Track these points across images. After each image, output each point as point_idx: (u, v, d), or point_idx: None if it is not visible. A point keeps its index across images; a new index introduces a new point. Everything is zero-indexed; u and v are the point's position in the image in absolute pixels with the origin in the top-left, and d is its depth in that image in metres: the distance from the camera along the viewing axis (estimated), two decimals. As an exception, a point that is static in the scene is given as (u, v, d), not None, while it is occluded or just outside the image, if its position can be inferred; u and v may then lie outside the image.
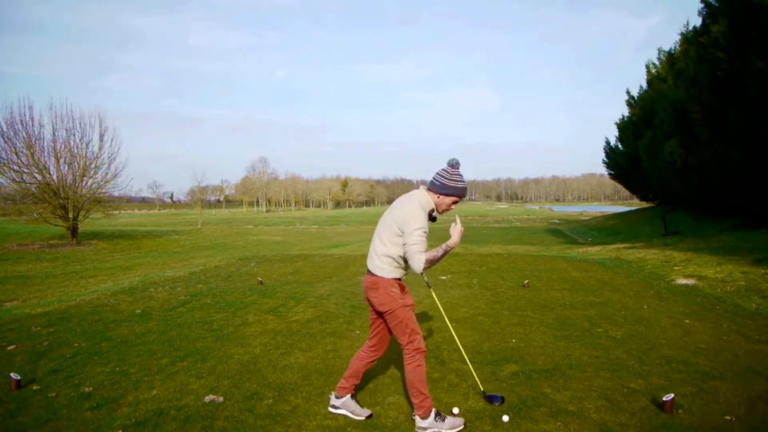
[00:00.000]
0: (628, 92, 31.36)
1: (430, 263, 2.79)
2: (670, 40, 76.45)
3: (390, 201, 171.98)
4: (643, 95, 27.91)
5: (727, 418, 2.99)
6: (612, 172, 37.02)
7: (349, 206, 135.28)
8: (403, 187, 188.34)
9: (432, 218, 2.95)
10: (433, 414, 2.89)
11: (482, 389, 3.40)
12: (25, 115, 21.26)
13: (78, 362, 4.14)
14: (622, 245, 14.60)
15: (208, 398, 3.35)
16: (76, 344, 4.67)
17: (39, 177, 21.68)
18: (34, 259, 16.76)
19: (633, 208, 43.74)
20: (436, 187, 2.91)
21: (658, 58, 26.96)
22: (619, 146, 33.80)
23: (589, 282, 7.86)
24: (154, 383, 3.66)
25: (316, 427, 2.97)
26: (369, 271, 3.00)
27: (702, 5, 15.66)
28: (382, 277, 2.91)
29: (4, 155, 20.97)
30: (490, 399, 3.28)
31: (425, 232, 2.81)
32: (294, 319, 5.60)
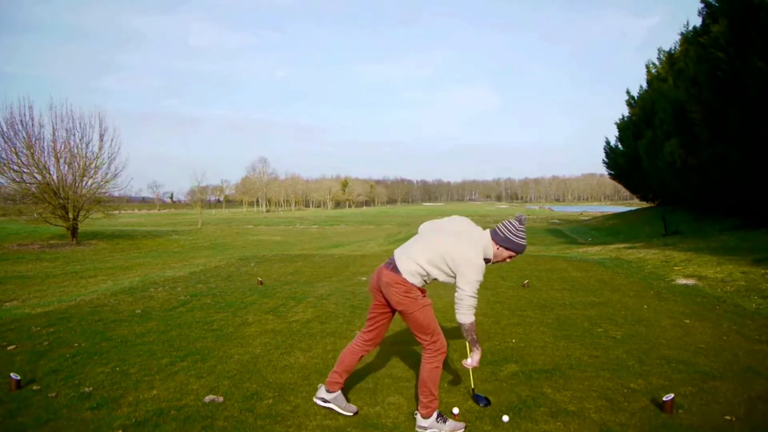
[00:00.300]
0: (628, 92, 31.39)
1: (469, 331, 2.80)
2: (670, 40, 76.51)
3: (390, 201, 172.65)
4: (643, 95, 27.92)
5: (727, 418, 2.99)
6: (612, 172, 37.05)
7: (349, 206, 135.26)
8: (403, 186, 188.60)
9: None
10: (435, 415, 2.89)
11: (473, 387, 3.39)
12: (25, 115, 21.31)
13: (78, 362, 4.14)
14: (622, 245, 14.61)
15: (208, 398, 3.35)
16: (76, 344, 4.66)
17: (39, 177, 21.70)
18: (34, 259, 16.77)
19: (633, 208, 43.74)
20: (498, 238, 2.87)
21: (658, 58, 26.99)
22: (619, 146, 33.82)
23: (589, 282, 7.85)
24: (154, 383, 3.66)
25: (316, 427, 2.97)
26: (394, 267, 2.88)
27: (702, 5, 15.68)
28: (407, 281, 2.84)
29: (4, 155, 21.02)
30: (476, 398, 3.28)
31: (480, 283, 2.80)
32: (294, 319, 5.60)
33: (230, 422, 3.02)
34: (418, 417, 2.91)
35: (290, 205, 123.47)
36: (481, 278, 2.78)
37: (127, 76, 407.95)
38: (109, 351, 4.45)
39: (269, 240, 26.01)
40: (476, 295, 2.78)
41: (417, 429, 2.89)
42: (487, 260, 2.89)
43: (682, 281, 7.70)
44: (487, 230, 2.95)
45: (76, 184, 22.35)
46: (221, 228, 37.25)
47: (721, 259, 9.06)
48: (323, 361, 4.13)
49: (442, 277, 2.88)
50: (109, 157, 23.38)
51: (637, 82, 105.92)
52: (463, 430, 2.91)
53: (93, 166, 22.96)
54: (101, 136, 23.15)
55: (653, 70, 27.20)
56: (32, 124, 21.48)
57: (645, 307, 6.01)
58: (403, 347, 4.50)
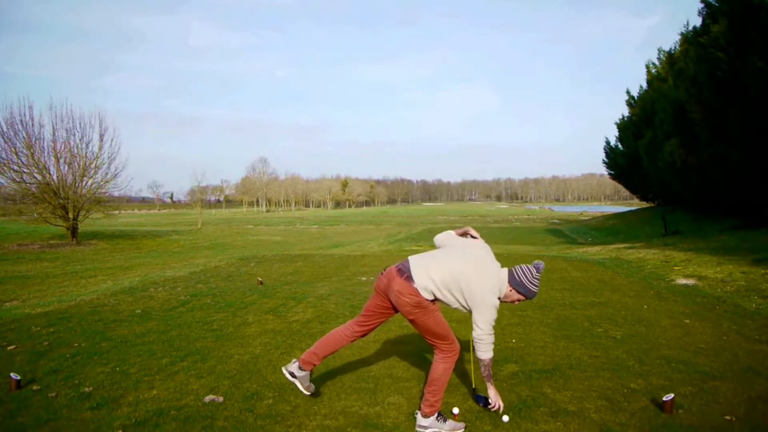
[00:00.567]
0: (628, 92, 31.41)
1: (488, 366, 2.89)
2: (670, 40, 76.47)
3: (390, 201, 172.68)
4: (643, 95, 27.93)
5: (727, 418, 2.99)
6: (612, 172, 37.07)
7: (349, 206, 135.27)
8: (403, 186, 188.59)
9: None
10: (436, 414, 2.90)
11: (474, 386, 3.41)
12: (25, 115, 21.32)
13: (78, 362, 4.14)
14: (622, 245, 14.61)
15: (208, 398, 3.35)
16: (76, 344, 4.66)
17: (39, 177, 21.71)
18: (34, 259, 16.77)
19: (633, 208, 43.76)
20: (514, 281, 2.88)
21: (658, 58, 27.00)
22: (619, 146, 33.83)
23: (589, 282, 7.85)
24: (154, 383, 3.66)
25: (316, 427, 2.97)
26: (409, 276, 2.85)
27: (702, 5, 15.68)
28: (420, 293, 2.83)
29: (4, 155, 21.04)
30: (477, 398, 3.28)
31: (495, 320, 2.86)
32: (294, 319, 5.60)
33: (230, 422, 3.02)
34: (419, 416, 2.92)
35: (290, 205, 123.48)
36: (496, 315, 2.84)
37: (127, 76, 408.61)
38: (109, 351, 4.45)
39: (269, 240, 26.01)
40: (493, 332, 2.85)
41: (417, 428, 2.90)
42: (499, 299, 2.92)
43: (682, 281, 7.70)
44: (505, 269, 2.94)
45: (76, 184, 22.36)
46: (221, 228, 37.26)
47: (721, 259, 9.06)
48: (323, 361, 4.12)
49: (453, 304, 2.88)
50: (109, 157, 23.42)
51: (637, 82, 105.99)
52: (463, 430, 2.91)
53: (93, 166, 22.98)
54: (101, 136, 23.18)
55: (653, 70, 27.21)
56: (32, 124, 21.51)
57: (645, 307, 6.01)
58: (403, 347, 4.50)
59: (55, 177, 22.02)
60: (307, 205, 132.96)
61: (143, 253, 18.98)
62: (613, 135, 42.79)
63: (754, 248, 10.02)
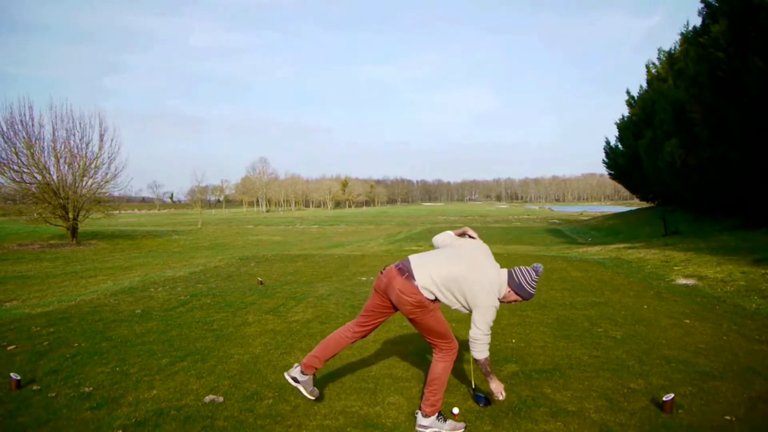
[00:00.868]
0: (628, 92, 31.40)
1: (484, 365, 2.90)
2: (670, 40, 76.51)
3: (390, 201, 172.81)
4: (643, 95, 27.93)
5: (727, 418, 2.99)
6: (612, 172, 37.07)
7: (349, 206, 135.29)
8: (403, 186, 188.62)
9: None
10: (436, 414, 2.90)
11: (473, 386, 3.41)
12: (25, 115, 21.32)
13: (78, 362, 4.14)
14: (622, 245, 14.61)
15: (208, 398, 3.35)
16: (76, 344, 4.67)
17: (39, 177, 21.72)
18: (34, 259, 16.77)
19: (633, 208, 43.76)
20: (513, 282, 2.91)
21: (658, 58, 26.98)
22: (619, 146, 33.83)
23: (589, 282, 7.86)
24: (154, 383, 3.66)
25: (316, 427, 2.97)
26: (410, 276, 2.86)
27: (702, 5, 15.67)
28: (421, 293, 2.84)
29: (4, 155, 21.04)
30: (476, 398, 3.28)
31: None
32: (294, 319, 5.61)
33: (230, 422, 3.02)
34: (419, 415, 2.92)
35: (290, 205, 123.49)
36: (494, 317, 2.86)
37: (129, 76, 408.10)
38: (109, 351, 4.45)
39: (269, 240, 26.01)
40: (489, 332, 2.86)
41: (417, 428, 2.90)
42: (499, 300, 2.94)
43: (682, 281, 7.71)
44: (504, 270, 2.96)
45: (76, 184, 22.36)
46: (221, 228, 37.27)
47: (721, 259, 9.06)
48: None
49: (454, 305, 2.89)
50: (109, 157, 23.43)
51: (637, 82, 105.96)
52: (463, 430, 2.92)
53: (93, 166, 22.98)
54: (101, 136, 23.19)
55: (653, 70, 27.19)
56: (32, 124, 21.52)
57: (645, 307, 6.01)
58: (403, 347, 4.50)
59: (55, 177, 22.04)
60: (307, 205, 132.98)
61: (143, 253, 18.98)
62: (613, 135, 42.82)
63: (754, 248, 10.02)
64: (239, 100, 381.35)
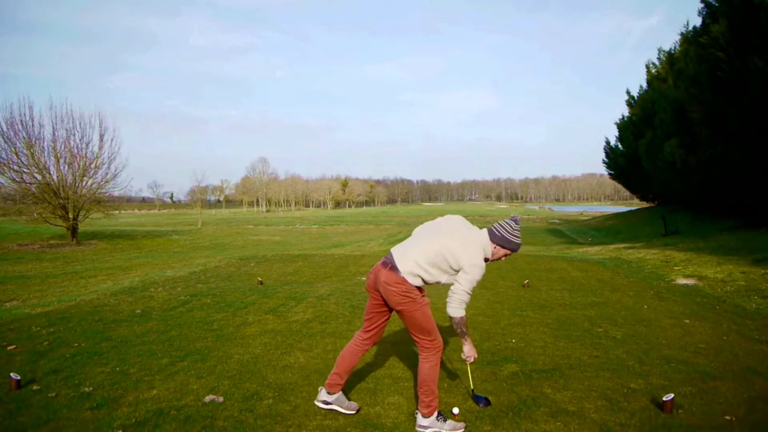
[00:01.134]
0: (628, 92, 31.43)
1: (459, 325, 2.86)
2: (670, 40, 76.46)
3: (390, 201, 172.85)
4: (643, 95, 27.94)
5: (727, 418, 2.99)
6: (612, 172, 37.07)
7: (349, 206, 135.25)
8: (403, 186, 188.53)
9: None
10: (436, 414, 2.90)
11: (472, 387, 3.40)
12: (25, 115, 21.32)
13: (78, 362, 4.14)
14: (622, 245, 14.61)
15: (208, 398, 3.35)
16: (76, 344, 4.66)
17: (39, 177, 21.71)
18: (34, 259, 16.77)
19: (633, 208, 43.75)
20: (495, 237, 2.92)
21: (658, 58, 27.01)
22: (619, 146, 33.85)
23: (589, 282, 7.86)
24: (154, 383, 3.66)
25: (316, 427, 2.97)
26: (393, 267, 2.88)
27: (702, 5, 15.68)
28: (407, 281, 2.85)
29: (4, 155, 21.03)
30: (476, 399, 3.28)
31: (478, 282, 2.87)
32: (294, 319, 5.60)
33: (230, 422, 3.02)
34: (419, 416, 2.92)
35: (290, 205, 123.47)
36: (480, 275, 2.84)
37: (129, 76, 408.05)
38: (109, 351, 4.45)
39: (269, 240, 26.00)
40: (471, 293, 2.85)
41: (417, 429, 2.90)
42: (485, 259, 2.93)
43: (682, 281, 7.70)
44: (484, 229, 2.99)
45: (76, 184, 22.36)
46: (221, 228, 37.26)
47: (721, 259, 9.06)
48: (323, 361, 4.13)
49: (444, 278, 2.90)
50: (109, 157, 23.42)
51: (637, 82, 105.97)
52: (463, 429, 2.92)
53: (93, 166, 22.97)
54: (101, 136, 23.18)
55: (653, 70, 27.21)
56: (32, 124, 21.51)
57: (645, 307, 6.01)
58: (402, 347, 4.50)
59: (55, 177, 22.03)
60: (307, 205, 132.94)
61: (143, 253, 18.97)
62: (613, 135, 42.89)
63: (754, 248, 10.01)
64: (239, 100, 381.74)
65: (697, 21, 19.95)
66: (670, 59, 23.89)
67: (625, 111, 32.09)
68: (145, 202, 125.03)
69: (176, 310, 6.13)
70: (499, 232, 2.92)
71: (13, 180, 21.68)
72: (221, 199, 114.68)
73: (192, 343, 4.67)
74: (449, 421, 2.92)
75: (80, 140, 22.56)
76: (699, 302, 6.24)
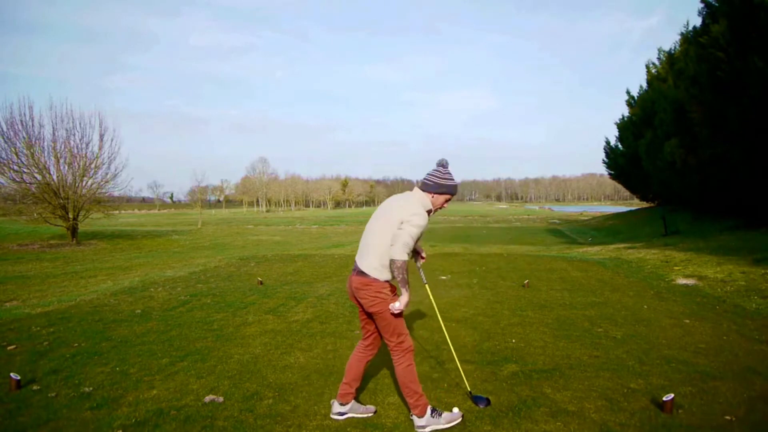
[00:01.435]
0: (628, 92, 31.40)
1: (402, 270, 2.80)
2: (670, 40, 76.44)
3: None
4: (643, 95, 27.92)
5: (727, 418, 2.99)
6: (612, 172, 37.03)
7: (349, 206, 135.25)
8: (403, 186, 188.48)
9: None
10: (429, 411, 2.91)
11: (469, 390, 3.40)
12: (25, 115, 21.28)
13: (78, 362, 4.14)
14: (622, 245, 14.61)
15: (208, 398, 3.35)
16: (76, 344, 4.67)
17: (39, 177, 21.68)
18: (34, 259, 16.76)
19: (633, 208, 43.73)
20: (430, 187, 2.96)
21: (658, 58, 26.99)
22: (619, 146, 33.82)
23: (589, 282, 7.85)
24: (154, 383, 3.66)
25: (316, 427, 2.97)
26: (360, 271, 2.95)
27: (702, 5, 15.67)
28: (375, 279, 2.88)
29: (4, 155, 20.99)
30: (475, 400, 3.27)
31: (422, 232, 2.87)
32: (294, 319, 5.60)
33: (230, 422, 3.02)
34: (415, 418, 2.93)
35: (290, 205, 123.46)
36: (423, 224, 2.85)
37: (130, 76, 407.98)
38: (109, 351, 4.45)
39: (269, 240, 25.99)
40: (414, 238, 2.83)
41: (416, 429, 2.90)
42: (429, 212, 2.96)
43: (682, 281, 7.70)
44: (415, 189, 3.02)
45: (76, 184, 22.33)
46: (221, 228, 37.25)
47: (721, 259, 9.06)
48: (323, 361, 4.13)
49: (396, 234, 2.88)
50: (109, 157, 23.37)
51: (637, 82, 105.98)
52: (460, 418, 2.94)
53: (93, 166, 22.93)
54: (101, 136, 23.14)
55: (653, 70, 27.20)
56: (32, 124, 21.47)
57: (645, 307, 6.01)
58: (403, 347, 4.49)
59: (55, 177, 21.99)
60: (307, 205, 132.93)
61: (143, 253, 18.97)
62: (613, 135, 42.85)
63: (754, 248, 10.01)
64: (239, 100, 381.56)
65: (697, 21, 19.96)
66: (670, 59, 23.88)
67: (625, 111, 32.09)
68: (145, 202, 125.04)
69: (176, 310, 6.13)
70: (431, 181, 2.96)
71: (13, 180, 21.66)
72: (221, 199, 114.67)
73: (192, 343, 4.67)
74: (444, 414, 2.94)
75: (80, 140, 22.54)
76: (699, 302, 6.24)
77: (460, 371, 3.51)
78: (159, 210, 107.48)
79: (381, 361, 4.12)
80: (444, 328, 3.78)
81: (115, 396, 3.42)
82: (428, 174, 2.99)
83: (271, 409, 3.21)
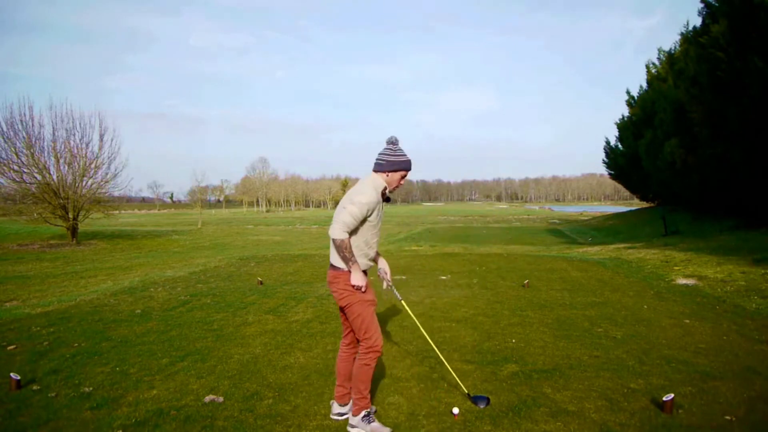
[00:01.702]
0: (628, 92, 31.40)
1: (342, 248, 2.81)
2: (670, 40, 76.44)
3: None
4: (643, 95, 27.93)
5: (727, 418, 2.99)
6: (612, 172, 37.04)
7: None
8: (403, 186, 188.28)
9: (386, 199, 3.01)
10: (362, 414, 2.91)
11: (466, 392, 3.39)
12: (25, 115, 21.28)
13: (78, 362, 4.15)
14: (622, 245, 14.61)
15: (208, 398, 3.35)
16: (76, 344, 4.67)
17: (39, 177, 21.67)
18: (34, 259, 16.76)
19: (633, 208, 43.74)
20: (383, 167, 2.94)
21: (658, 58, 27.00)
22: (619, 146, 33.83)
23: (589, 282, 7.86)
24: (154, 383, 3.66)
25: (316, 427, 2.97)
26: (331, 265, 2.98)
27: (702, 5, 15.68)
28: (343, 270, 2.89)
29: (4, 155, 20.99)
30: (475, 400, 3.26)
31: (369, 210, 2.84)
32: (294, 319, 5.61)
33: (230, 422, 3.02)
34: (350, 415, 2.96)
35: (290, 205, 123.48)
36: (367, 201, 2.82)
37: (130, 76, 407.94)
38: (109, 351, 4.45)
39: (269, 240, 25.99)
40: (354, 218, 2.81)
41: (348, 427, 2.94)
42: (385, 193, 2.97)
43: (682, 281, 7.70)
44: (369, 174, 3.01)
45: (76, 184, 22.33)
46: (221, 228, 37.25)
47: (721, 259, 9.06)
48: (323, 361, 4.13)
49: (370, 234, 2.95)
50: (109, 157, 23.37)
51: (637, 82, 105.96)
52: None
53: (93, 166, 22.93)
54: (101, 136, 23.13)
55: (653, 70, 27.21)
56: (32, 124, 21.46)
57: (645, 307, 6.01)
58: (403, 347, 4.50)
59: (55, 177, 21.99)
60: (307, 205, 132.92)
61: (143, 253, 18.96)
62: (613, 135, 42.81)
63: (754, 248, 10.01)
64: (239, 100, 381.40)
65: (697, 21, 19.95)
66: (670, 59, 23.88)
67: (625, 111, 32.08)
68: (145, 202, 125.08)
69: (176, 310, 6.14)
70: (383, 160, 2.94)
71: (13, 180, 21.65)
72: (221, 199, 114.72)
73: (192, 343, 4.67)
74: (374, 423, 2.90)
75: (80, 140, 22.54)
76: (699, 302, 6.24)
77: (452, 374, 3.50)
78: (159, 210, 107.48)
79: (381, 361, 4.12)
80: (425, 333, 3.78)
81: (115, 396, 3.42)
82: (380, 154, 2.97)
83: (271, 409, 3.21)
